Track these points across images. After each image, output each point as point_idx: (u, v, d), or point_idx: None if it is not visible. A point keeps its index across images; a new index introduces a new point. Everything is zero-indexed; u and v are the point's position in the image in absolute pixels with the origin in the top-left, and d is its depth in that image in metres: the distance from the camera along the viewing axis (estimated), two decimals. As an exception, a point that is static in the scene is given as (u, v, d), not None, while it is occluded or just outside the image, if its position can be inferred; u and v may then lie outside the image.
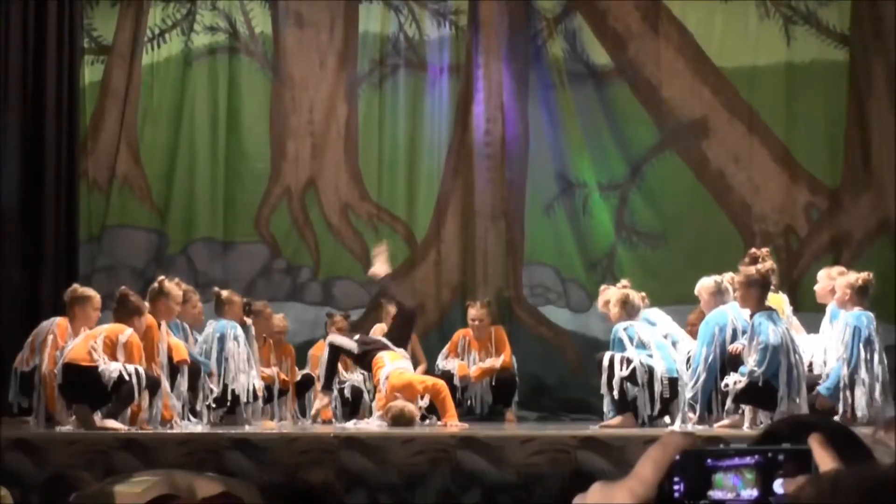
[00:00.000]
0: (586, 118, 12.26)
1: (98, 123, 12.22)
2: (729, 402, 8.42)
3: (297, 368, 10.70)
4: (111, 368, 8.38)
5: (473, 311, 10.64)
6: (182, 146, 12.35)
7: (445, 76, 12.46)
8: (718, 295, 8.91)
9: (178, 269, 11.86)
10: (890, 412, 8.99)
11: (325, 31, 12.47)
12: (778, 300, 9.23)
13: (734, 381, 8.36)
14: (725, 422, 8.66)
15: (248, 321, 9.81)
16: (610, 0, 12.29)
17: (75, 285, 9.61)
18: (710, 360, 8.60)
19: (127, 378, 8.39)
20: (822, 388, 8.85)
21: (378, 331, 10.41)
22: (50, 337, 9.15)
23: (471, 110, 12.31)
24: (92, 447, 7.91)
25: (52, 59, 11.17)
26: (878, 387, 8.79)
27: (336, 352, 9.80)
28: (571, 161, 12.24)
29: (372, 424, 9.25)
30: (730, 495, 1.30)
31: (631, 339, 8.85)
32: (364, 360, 9.74)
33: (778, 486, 1.30)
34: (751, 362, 8.29)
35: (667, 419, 8.98)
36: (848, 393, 8.76)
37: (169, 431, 8.68)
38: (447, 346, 10.77)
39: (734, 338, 8.58)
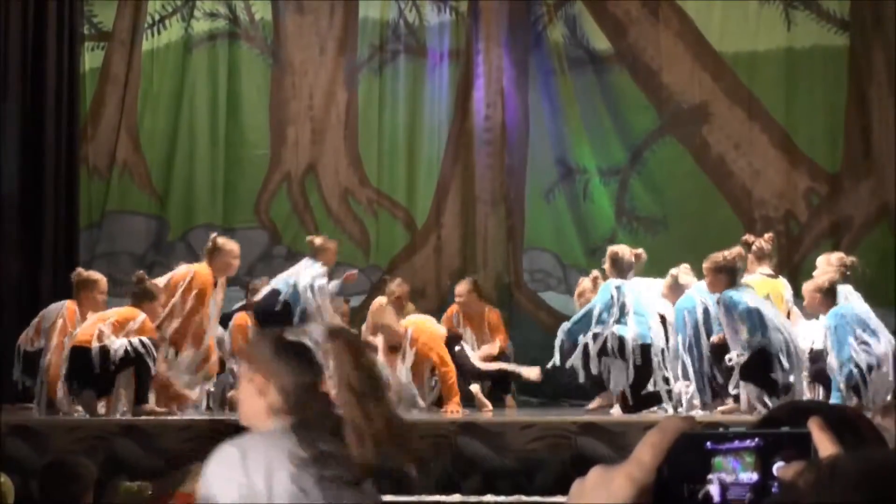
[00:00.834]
0: (586, 104, 12.27)
1: (98, 110, 12.23)
2: (735, 379, 8.42)
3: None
4: (116, 346, 8.38)
5: (458, 288, 10.61)
6: (182, 132, 12.38)
7: (445, 62, 12.47)
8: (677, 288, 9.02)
9: (177, 256, 11.85)
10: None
11: (325, 17, 12.49)
12: (777, 286, 9.23)
13: (736, 355, 8.37)
14: (723, 407, 8.69)
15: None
16: None
17: (79, 269, 9.60)
18: (688, 344, 8.64)
19: (135, 354, 8.40)
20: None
21: (375, 305, 10.30)
22: (59, 321, 9.14)
23: (471, 96, 12.31)
24: (92, 433, 7.94)
25: (52, 45, 11.17)
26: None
27: None
28: (571, 146, 12.25)
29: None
30: (729, 478, 1.28)
31: (616, 299, 8.88)
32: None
33: (777, 470, 1.28)
34: (743, 333, 8.31)
35: (666, 406, 9.01)
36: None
37: (170, 418, 8.68)
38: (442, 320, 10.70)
39: (707, 316, 8.62)
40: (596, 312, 8.92)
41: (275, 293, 9.50)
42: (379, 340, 9.43)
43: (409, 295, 10.53)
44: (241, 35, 12.50)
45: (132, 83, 12.23)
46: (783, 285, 9.35)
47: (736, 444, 1.30)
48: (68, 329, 8.99)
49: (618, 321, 8.90)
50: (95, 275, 9.45)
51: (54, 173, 11.05)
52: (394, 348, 9.41)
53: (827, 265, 9.25)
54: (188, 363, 9.01)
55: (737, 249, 8.71)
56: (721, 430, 1.30)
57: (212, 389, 9.50)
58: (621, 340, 8.83)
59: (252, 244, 11.89)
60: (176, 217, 12.23)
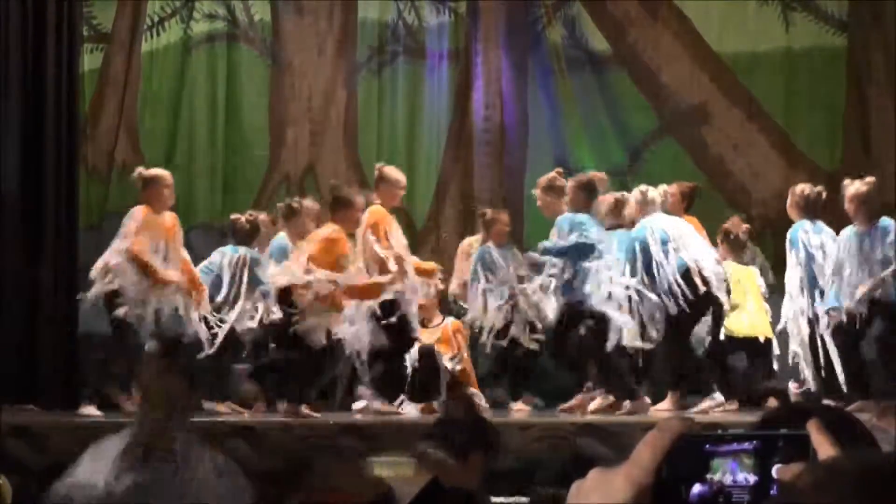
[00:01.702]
0: (585, 104, 12.33)
1: (97, 111, 12.24)
2: None
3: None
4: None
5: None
6: (181, 133, 12.39)
7: (444, 63, 12.52)
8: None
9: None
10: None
11: (324, 18, 12.53)
12: (749, 273, 9.61)
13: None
14: (704, 405, 8.76)
15: None
16: None
17: (140, 168, 9.53)
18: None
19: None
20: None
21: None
22: (131, 224, 9.18)
23: (470, 97, 12.36)
24: (93, 434, 7.91)
25: (52, 46, 11.06)
26: None
27: None
28: (571, 147, 12.28)
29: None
30: (728, 480, 1.29)
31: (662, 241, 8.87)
32: None
33: (775, 471, 1.29)
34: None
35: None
36: None
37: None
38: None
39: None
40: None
41: None
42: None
43: None
44: (240, 36, 12.51)
45: (131, 84, 12.22)
46: (754, 274, 9.74)
47: (734, 445, 1.30)
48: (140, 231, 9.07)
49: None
50: (157, 170, 9.45)
51: (54, 174, 10.96)
52: None
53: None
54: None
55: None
56: (720, 431, 1.31)
57: None
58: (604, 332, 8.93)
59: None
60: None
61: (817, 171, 11.87)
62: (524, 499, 6.66)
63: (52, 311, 10.66)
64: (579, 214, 8.94)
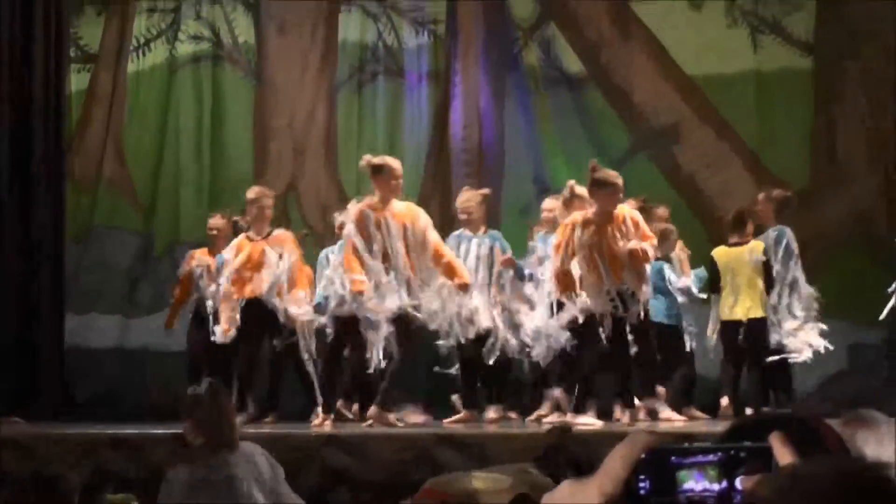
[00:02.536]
0: (561, 123, 12.47)
1: (84, 129, 12.40)
2: None
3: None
4: None
5: None
6: (167, 151, 12.52)
7: (424, 83, 12.65)
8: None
9: (163, 270, 12.09)
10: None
11: (307, 38, 12.68)
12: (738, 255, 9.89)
13: None
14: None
15: None
16: (583, 9, 12.49)
17: (367, 156, 9.43)
18: None
19: None
20: None
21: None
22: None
23: (448, 116, 12.49)
24: (80, 445, 7.79)
25: (40, 66, 11.26)
26: None
27: None
28: (547, 165, 12.40)
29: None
30: (694, 491, 1.34)
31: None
32: None
33: (739, 482, 1.33)
34: None
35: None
36: None
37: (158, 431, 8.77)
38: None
39: None
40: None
41: None
42: None
43: None
44: (225, 57, 12.67)
45: (118, 103, 12.38)
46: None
47: (700, 458, 1.35)
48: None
49: None
50: (386, 158, 9.40)
51: (44, 189, 11.14)
52: None
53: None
54: None
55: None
56: (686, 444, 1.37)
57: None
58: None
59: (235, 259, 12.03)
60: (161, 232, 12.37)
61: (787, 189, 12.05)
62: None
63: (40, 322, 10.88)
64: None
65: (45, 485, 4.94)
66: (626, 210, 8.96)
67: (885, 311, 9.50)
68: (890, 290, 9.52)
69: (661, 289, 9.93)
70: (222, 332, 9.59)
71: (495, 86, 12.55)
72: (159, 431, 8.52)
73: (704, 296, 10.01)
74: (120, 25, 12.46)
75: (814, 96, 12.28)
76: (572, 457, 4.75)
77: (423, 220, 9.06)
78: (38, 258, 11.10)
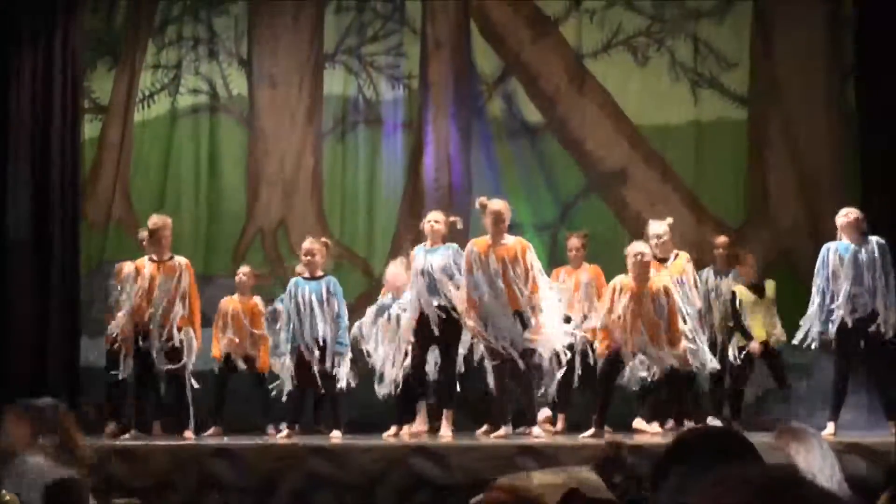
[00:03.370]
0: (522, 167, 13.00)
1: (96, 173, 12.88)
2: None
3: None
4: None
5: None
6: (169, 192, 12.92)
7: (399, 131, 13.08)
8: None
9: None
10: None
11: (295, 91, 13.09)
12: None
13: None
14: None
15: None
16: (541, 66, 13.00)
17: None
18: None
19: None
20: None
21: None
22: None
23: (422, 161, 12.92)
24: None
25: (58, 117, 11.75)
26: None
27: None
28: (509, 203, 13.06)
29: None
30: None
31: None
32: None
33: None
34: None
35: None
36: None
37: (158, 443, 9.15)
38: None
39: None
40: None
41: None
42: None
43: None
44: (221, 108, 13.13)
45: (126, 149, 12.84)
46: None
47: None
48: None
49: None
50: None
51: (60, 227, 11.56)
52: None
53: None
54: None
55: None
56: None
57: None
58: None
59: (231, 290, 11.94)
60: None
61: (723, 226, 12.67)
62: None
63: (56, 345, 11.42)
64: None
65: (61, 491, 4.94)
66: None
67: (797, 338, 10.34)
68: (801, 320, 10.30)
69: None
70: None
71: (463, 134, 13.09)
72: (157, 443, 9.21)
73: None
74: (128, 80, 12.85)
75: (747, 142, 12.94)
76: (624, 464, 5.46)
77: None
78: (57, 287, 11.57)
